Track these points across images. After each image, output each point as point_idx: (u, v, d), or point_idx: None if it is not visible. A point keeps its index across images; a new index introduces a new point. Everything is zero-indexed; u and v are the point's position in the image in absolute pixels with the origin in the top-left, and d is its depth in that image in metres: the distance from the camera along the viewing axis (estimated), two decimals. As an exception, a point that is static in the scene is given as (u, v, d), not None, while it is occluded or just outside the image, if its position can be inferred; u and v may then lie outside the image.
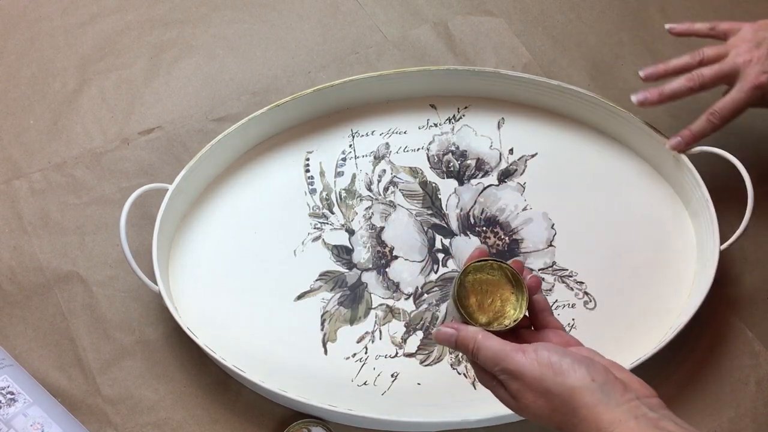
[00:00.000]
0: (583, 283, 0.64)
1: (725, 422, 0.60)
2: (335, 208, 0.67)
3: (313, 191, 0.67)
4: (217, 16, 0.77)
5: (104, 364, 0.60)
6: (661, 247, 0.65)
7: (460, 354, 0.60)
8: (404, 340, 0.61)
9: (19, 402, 0.54)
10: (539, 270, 0.64)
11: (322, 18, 0.74)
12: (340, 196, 0.67)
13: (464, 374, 0.60)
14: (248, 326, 0.61)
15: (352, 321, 0.62)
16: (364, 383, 0.59)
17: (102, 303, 0.62)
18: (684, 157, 0.65)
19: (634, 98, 0.66)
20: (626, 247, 0.65)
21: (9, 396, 0.54)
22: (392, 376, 0.60)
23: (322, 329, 0.61)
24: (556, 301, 0.63)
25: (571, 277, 0.64)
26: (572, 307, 0.63)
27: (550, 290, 0.63)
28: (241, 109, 0.71)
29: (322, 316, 0.62)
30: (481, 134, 0.70)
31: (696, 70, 0.64)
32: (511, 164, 0.69)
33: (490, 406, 0.55)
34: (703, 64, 0.65)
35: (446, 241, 0.65)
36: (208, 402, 0.59)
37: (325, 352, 0.60)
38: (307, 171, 0.68)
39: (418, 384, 0.59)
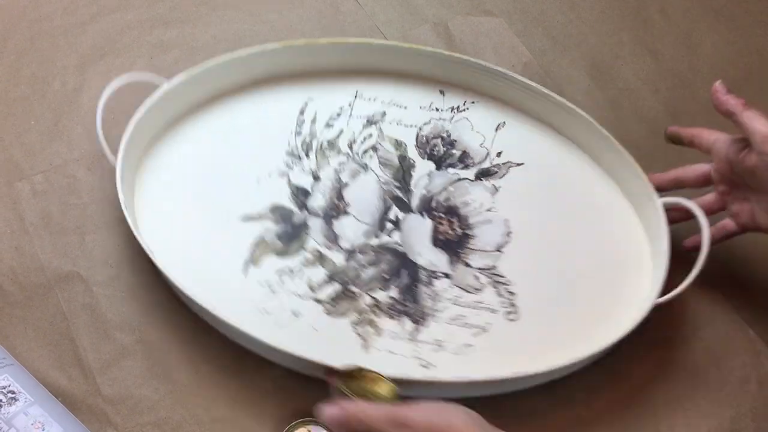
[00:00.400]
0: (514, 294, 0.62)
1: (726, 421, 0.60)
2: (312, 154, 0.69)
3: (298, 133, 0.70)
4: (217, 17, 0.78)
5: (104, 364, 0.60)
6: (613, 288, 0.63)
7: (367, 317, 0.61)
8: (320, 287, 0.62)
9: (20, 401, 0.54)
10: (477, 268, 0.64)
11: (322, 19, 0.75)
12: (322, 145, 0.69)
13: (361, 336, 0.60)
14: (191, 236, 0.63)
15: (281, 254, 0.63)
16: (267, 312, 0.61)
17: (102, 303, 0.62)
18: (660, 206, 0.63)
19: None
20: (576, 279, 0.63)
21: (10, 395, 0.55)
22: (293, 313, 0.61)
23: (250, 251, 0.63)
24: (480, 302, 0.62)
25: (504, 285, 0.63)
26: (492, 312, 0.61)
27: (478, 291, 0.62)
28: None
29: (256, 240, 0.64)
30: (476, 130, 0.70)
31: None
32: (493, 165, 0.69)
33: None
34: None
35: (401, 215, 0.66)
36: (208, 402, 0.59)
37: (245, 273, 0.62)
38: (302, 114, 0.71)
39: (315, 330, 0.60)
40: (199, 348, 0.61)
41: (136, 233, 0.60)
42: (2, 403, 0.54)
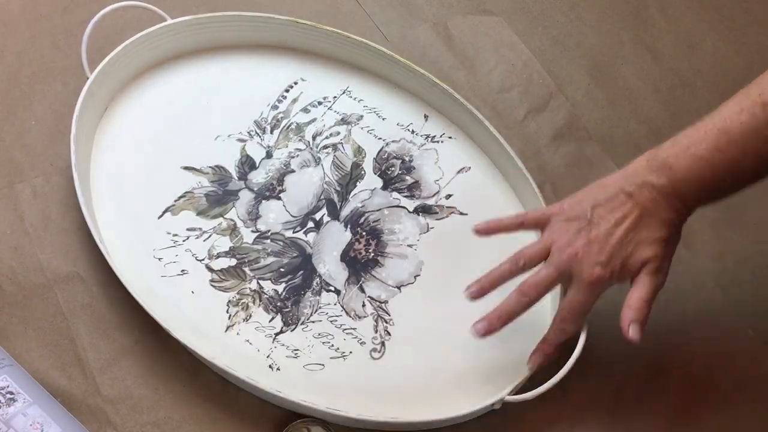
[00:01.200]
0: (390, 335, 0.62)
1: (727, 421, 0.60)
2: (276, 131, 0.70)
3: (274, 107, 0.71)
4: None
5: (104, 364, 0.60)
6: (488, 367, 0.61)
7: (243, 300, 0.62)
8: (216, 256, 0.64)
9: (19, 402, 0.54)
10: (368, 297, 0.63)
11: (322, 18, 0.75)
12: (290, 126, 0.70)
13: (229, 314, 0.61)
14: (137, 174, 0.66)
15: (200, 214, 0.65)
16: (159, 258, 0.63)
17: (102, 303, 0.62)
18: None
19: (474, 332, 0.58)
20: (456, 348, 0.61)
21: (8, 396, 0.54)
22: (182, 271, 0.63)
23: (173, 199, 0.66)
24: (356, 329, 0.62)
25: (386, 323, 0.62)
26: (361, 344, 0.61)
27: (360, 318, 0.62)
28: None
29: (185, 193, 0.66)
30: (439, 165, 0.69)
31: (526, 284, 0.57)
32: (437, 205, 0.67)
33: (231, 355, 0.59)
34: (527, 267, 0.58)
35: (326, 218, 0.66)
36: (208, 402, 0.59)
37: (160, 217, 0.65)
38: (287, 91, 0.72)
39: (192, 292, 0.62)
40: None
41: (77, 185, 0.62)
42: (1, 404, 0.54)
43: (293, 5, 0.78)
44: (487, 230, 0.61)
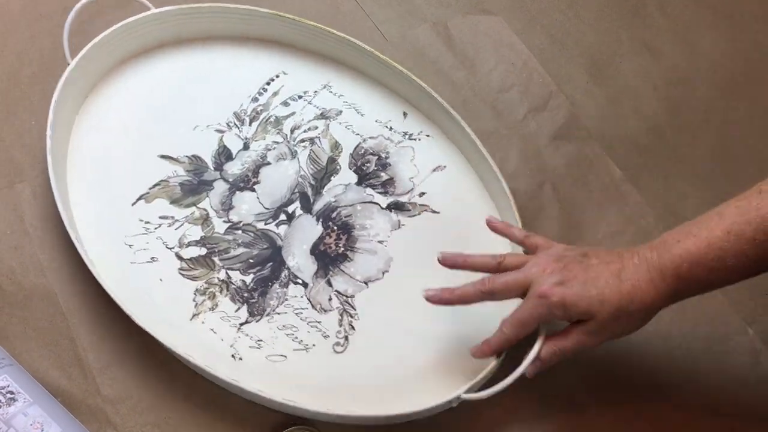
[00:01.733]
0: (354, 330, 0.62)
1: (727, 420, 0.60)
2: (254, 124, 0.70)
3: (254, 99, 0.71)
4: None
5: (104, 364, 0.60)
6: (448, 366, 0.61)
7: (210, 289, 0.63)
8: (186, 245, 0.64)
9: (19, 401, 0.54)
10: (335, 291, 0.64)
11: (321, 18, 0.75)
12: (268, 119, 0.71)
13: (195, 303, 0.62)
14: (116, 163, 0.67)
15: (174, 203, 0.66)
16: (130, 245, 0.64)
17: (102, 303, 0.62)
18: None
19: (424, 293, 0.59)
20: (421, 344, 0.62)
21: (9, 395, 0.54)
22: (151, 258, 0.64)
23: (148, 187, 0.66)
24: (320, 323, 0.62)
25: (351, 317, 0.62)
26: (325, 337, 0.61)
27: (326, 311, 0.62)
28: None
29: (160, 181, 0.67)
30: (415, 163, 0.69)
31: (489, 277, 0.58)
32: (410, 203, 0.67)
33: (193, 343, 0.59)
34: (501, 269, 0.59)
35: (298, 212, 0.67)
36: (208, 402, 0.60)
37: (133, 204, 0.65)
38: (268, 84, 0.72)
39: (160, 280, 0.63)
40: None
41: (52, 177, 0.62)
42: (1, 404, 0.54)
43: (293, 4, 0.78)
44: (497, 228, 0.62)
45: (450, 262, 0.60)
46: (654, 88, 0.75)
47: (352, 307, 0.63)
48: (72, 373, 0.60)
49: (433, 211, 0.67)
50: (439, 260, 0.60)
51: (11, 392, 0.55)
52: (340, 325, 0.62)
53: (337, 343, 0.62)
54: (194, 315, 0.62)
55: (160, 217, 0.65)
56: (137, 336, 0.59)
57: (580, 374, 0.62)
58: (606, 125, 0.67)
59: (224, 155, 0.69)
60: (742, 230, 0.52)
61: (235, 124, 0.70)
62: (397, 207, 0.67)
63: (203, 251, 0.64)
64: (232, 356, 0.60)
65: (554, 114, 0.74)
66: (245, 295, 0.63)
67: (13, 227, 0.65)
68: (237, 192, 0.67)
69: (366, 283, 0.64)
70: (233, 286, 0.63)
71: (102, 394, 0.59)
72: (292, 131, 0.70)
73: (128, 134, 0.68)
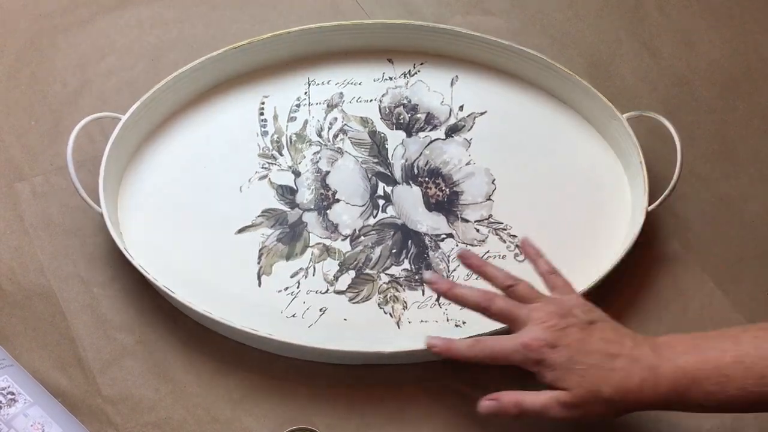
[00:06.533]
0: (516, 236, 0.66)
1: (728, 420, 0.60)
2: (284, 151, 0.69)
3: (265, 133, 0.69)
4: (217, 16, 0.77)
5: (105, 364, 0.60)
6: (597, 208, 0.67)
7: (389, 294, 0.63)
8: (336, 278, 0.63)
9: (20, 402, 0.54)
10: (475, 221, 0.66)
11: (321, 18, 0.75)
12: (291, 139, 0.69)
13: (390, 314, 0.62)
14: (190, 257, 0.64)
15: (288, 257, 0.64)
16: (293, 315, 0.61)
17: (102, 303, 0.62)
18: (624, 121, 0.67)
19: (425, 274, 0.60)
20: (563, 206, 0.67)
21: (9, 396, 0.54)
22: (320, 310, 0.62)
23: (258, 262, 0.64)
24: (488, 251, 0.65)
25: (505, 230, 0.66)
26: (502, 258, 0.65)
27: (484, 241, 0.65)
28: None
29: (260, 250, 0.64)
30: (434, 90, 0.72)
31: (493, 295, 0.56)
32: (459, 120, 0.71)
33: (413, 344, 0.58)
34: (509, 293, 0.56)
35: (388, 189, 0.67)
36: (209, 402, 0.59)
37: (259, 284, 0.63)
38: (261, 114, 0.70)
39: (345, 320, 0.62)
40: (199, 348, 0.61)
41: (139, 267, 0.60)
42: (2, 405, 0.54)
43: (292, 4, 0.77)
44: (528, 253, 0.60)
45: (467, 261, 0.59)
46: (653, 88, 0.75)
47: (498, 222, 0.66)
48: (72, 374, 0.60)
49: (481, 113, 0.71)
50: (458, 255, 0.59)
51: (12, 393, 0.55)
52: (503, 241, 0.65)
53: (516, 254, 0.65)
54: (398, 322, 0.62)
55: (293, 276, 0.63)
56: (138, 336, 0.61)
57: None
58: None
59: (287, 192, 0.67)
60: (754, 364, 0.49)
61: (269, 163, 0.68)
62: (453, 130, 0.70)
63: (352, 273, 0.63)
64: (457, 326, 0.62)
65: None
66: (416, 277, 0.64)
67: (13, 227, 0.65)
68: (327, 211, 0.66)
69: (489, 199, 0.67)
70: (401, 278, 0.63)
71: (103, 394, 0.59)
72: (319, 135, 0.69)
73: (190, 228, 0.65)
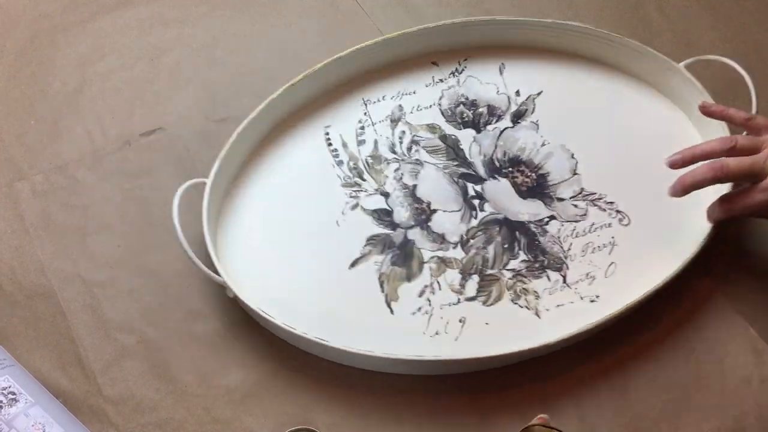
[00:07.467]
0: (613, 202, 0.67)
1: (729, 420, 0.60)
2: (365, 175, 0.68)
3: (339, 163, 0.68)
4: (217, 16, 0.76)
5: (105, 364, 0.60)
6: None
7: (518, 288, 0.63)
8: (463, 286, 0.63)
9: (21, 402, 0.54)
10: (570, 198, 0.67)
11: (321, 18, 0.74)
12: (367, 162, 0.68)
13: (526, 306, 0.63)
14: (312, 302, 0.62)
15: (409, 277, 0.63)
16: (436, 333, 0.61)
17: (103, 303, 0.62)
18: (683, 69, 0.69)
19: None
20: (643, 163, 0.69)
21: (10, 396, 0.54)
22: (460, 321, 0.62)
23: (382, 291, 0.63)
24: (593, 224, 0.66)
25: (600, 199, 0.67)
26: (609, 226, 0.66)
27: (585, 215, 0.66)
28: (242, 109, 0.68)
29: (379, 278, 0.63)
30: (486, 82, 0.73)
31: (722, 161, 0.58)
32: (520, 105, 0.72)
33: (556, 331, 0.59)
34: (735, 152, 0.59)
35: (477, 187, 0.68)
36: (209, 402, 0.59)
37: (391, 311, 0.62)
38: (330, 145, 0.69)
39: (486, 324, 0.62)
40: (199, 348, 0.61)
41: (284, 325, 0.58)
42: (3, 405, 0.54)
43: (293, 4, 0.77)
44: (712, 111, 0.62)
45: (680, 163, 0.60)
46: None
47: (592, 194, 0.67)
48: (73, 374, 0.60)
49: (538, 94, 0.72)
50: (668, 166, 0.60)
51: (12, 393, 0.55)
52: (603, 210, 0.67)
53: (620, 219, 0.66)
54: (536, 313, 0.62)
55: (420, 295, 0.63)
56: (138, 336, 0.61)
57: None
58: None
59: (384, 214, 0.66)
60: None
61: (355, 191, 0.67)
62: (518, 116, 0.71)
63: (476, 278, 0.63)
64: (593, 302, 0.63)
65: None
66: (537, 266, 0.64)
67: (14, 227, 0.66)
68: (428, 224, 0.66)
69: (576, 173, 0.68)
70: (523, 270, 0.64)
71: (103, 394, 0.59)
72: (394, 151, 0.69)
73: (300, 271, 0.63)
